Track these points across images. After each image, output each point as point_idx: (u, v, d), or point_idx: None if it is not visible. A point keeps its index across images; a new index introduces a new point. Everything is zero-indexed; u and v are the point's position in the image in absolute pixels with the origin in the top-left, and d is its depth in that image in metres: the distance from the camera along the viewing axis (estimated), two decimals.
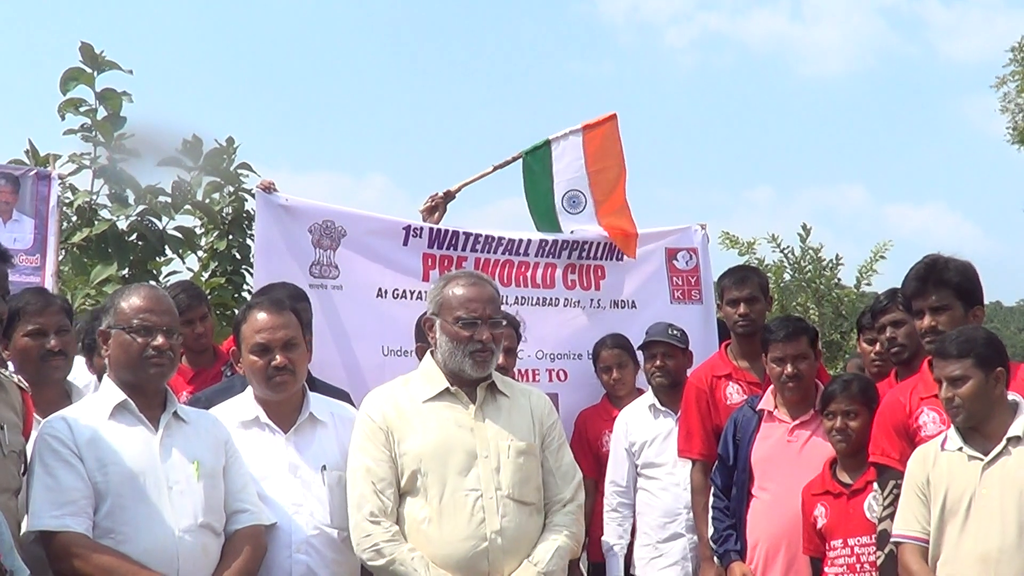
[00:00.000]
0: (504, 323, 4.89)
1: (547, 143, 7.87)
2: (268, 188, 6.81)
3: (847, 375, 6.08)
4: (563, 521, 4.68)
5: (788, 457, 5.94)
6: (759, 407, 6.10)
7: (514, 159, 7.87)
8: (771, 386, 6.13)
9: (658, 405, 6.83)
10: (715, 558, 6.15)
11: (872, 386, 5.75)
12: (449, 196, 7.77)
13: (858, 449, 5.47)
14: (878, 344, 6.31)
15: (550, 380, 7.40)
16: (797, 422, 5.98)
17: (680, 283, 7.97)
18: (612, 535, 6.81)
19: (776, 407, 6.06)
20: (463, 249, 7.34)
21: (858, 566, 5.43)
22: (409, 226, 7.23)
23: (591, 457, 6.98)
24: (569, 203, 7.88)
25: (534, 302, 7.46)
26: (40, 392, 4.69)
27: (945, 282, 5.19)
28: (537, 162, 7.87)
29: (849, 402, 5.61)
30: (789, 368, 5.91)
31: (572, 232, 7.77)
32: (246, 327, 4.81)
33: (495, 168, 7.88)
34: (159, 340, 4.35)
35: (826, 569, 5.56)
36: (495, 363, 4.75)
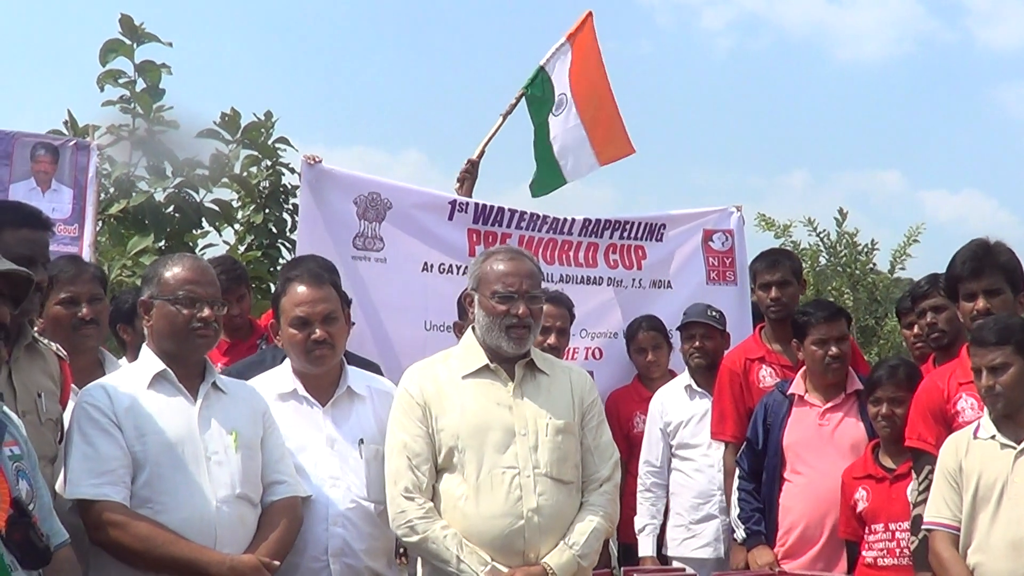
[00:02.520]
0: (543, 299, 4.85)
1: (541, 69, 7.99)
2: (314, 161, 6.80)
3: (893, 360, 6.06)
4: (599, 501, 4.65)
5: (820, 441, 5.95)
6: (790, 391, 6.10)
7: (517, 99, 7.96)
8: (802, 370, 6.13)
9: (694, 386, 6.83)
10: (740, 537, 6.15)
11: (917, 371, 5.72)
12: (474, 164, 7.80)
13: (902, 435, 5.45)
14: (916, 328, 6.29)
15: (586, 358, 7.40)
16: (828, 405, 6.00)
17: (716, 264, 7.96)
18: (645, 515, 6.82)
19: (807, 391, 6.07)
20: (508, 226, 7.32)
21: (897, 550, 5.44)
22: (455, 201, 7.24)
23: (622, 438, 6.92)
24: (556, 107, 7.95)
25: (577, 280, 7.47)
26: (73, 360, 4.68)
27: (1000, 266, 5.17)
28: (538, 90, 7.97)
29: (895, 389, 5.61)
30: (833, 349, 5.91)
31: (552, 135, 8.04)
32: (286, 300, 4.80)
33: (504, 117, 7.94)
34: (205, 312, 4.36)
35: (864, 553, 5.55)
36: (533, 339, 4.72)
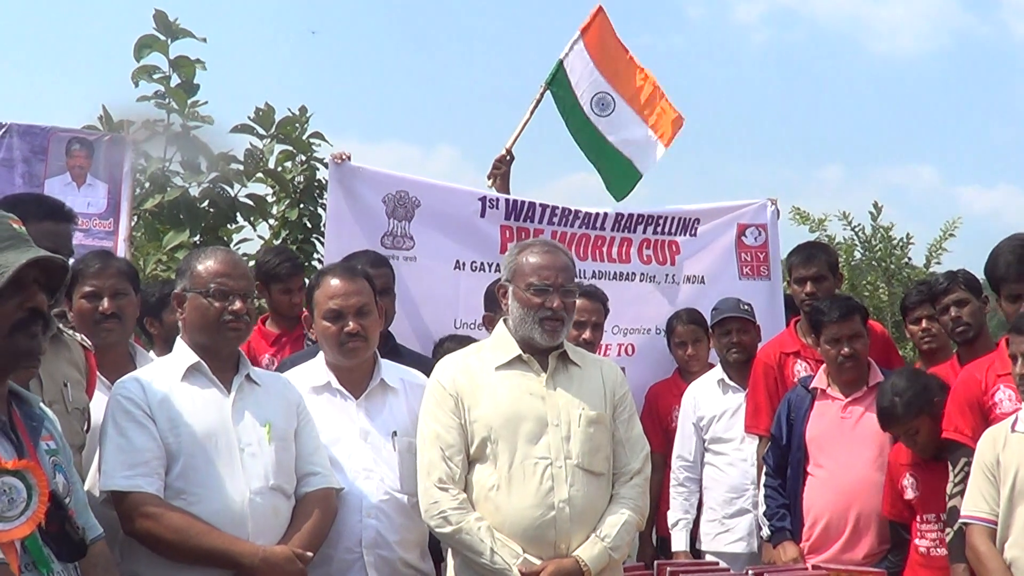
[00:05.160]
0: (577, 292, 4.86)
1: (559, 64, 7.91)
2: (342, 159, 6.81)
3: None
4: (630, 494, 4.66)
5: (843, 434, 5.95)
6: (812, 385, 6.11)
7: (541, 94, 7.89)
8: (823, 364, 6.12)
9: (727, 380, 6.81)
10: (766, 535, 6.15)
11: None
12: (505, 161, 7.73)
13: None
14: (923, 323, 6.47)
15: (618, 355, 7.37)
16: (850, 399, 6.00)
17: (748, 259, 7.90)
18: (678, 510, 6.80)
19: (829, 385, 6.07)
20: (540, 221, 7.28)
21: None
22: (485, 197, 7.21)
23: (660, 432, 6.96)
24: (598, 106, 7.94)
25: (611, 276, 7.40)
26: (102, 354, 4.72)
27: None
28: (559, 86, 7.91)
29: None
30: (845, 348, 5.93)
31: (612, 137, 7.96)
32: (319, 293, 4.81)
33: (531, 112, 7.87)
34: (236, 305, 4.37)
35: (916, 541, 5.53)
36: (566, 332, 4.73)
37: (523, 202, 7.28)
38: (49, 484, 3.08)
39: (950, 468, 5.21)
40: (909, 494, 5.55)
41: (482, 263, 7.08)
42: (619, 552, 4.58)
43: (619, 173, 8.15)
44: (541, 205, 7.32)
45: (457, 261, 7.03)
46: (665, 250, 7.70)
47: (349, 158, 6.83)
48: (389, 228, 6.83)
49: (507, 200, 7.26)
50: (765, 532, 6.14)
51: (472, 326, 6.85)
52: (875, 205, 13.85)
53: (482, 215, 7.13)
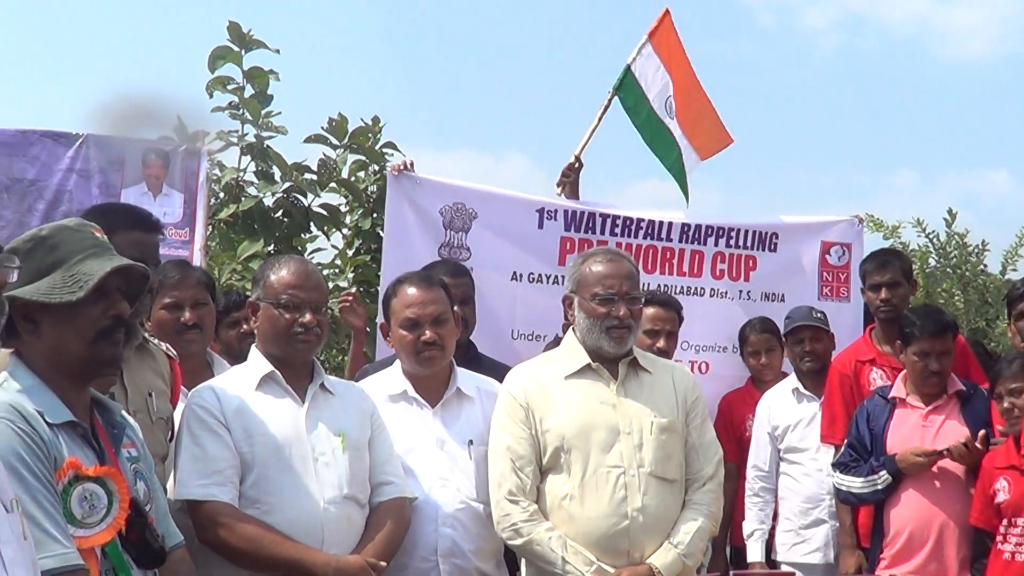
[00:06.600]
0: (643, 299, 4.85)
1: (627, 69, 7.76)
2: (402, 169, 6.82)
3: (1011, 355, 5.98)
4: (703, 500, 4.65)
5: (924, 442, 5.86)
6: (891, 395, 6.03)
7: (609, 100, 7.74)
8: (902, 373, 6.06)
9: (802, 389, 6.74)
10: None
11: None
12: (574, 168, 7.56)
13: None
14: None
15: (692, 372, 7.25)
16: (931, 407, 5.92)
17: (830, 279, 7.71)
18: (753, 520, 6.74)
19: (908, 394, 5.99)
20: (602, 232, 7.20)
21: None
22: (543, 208, 7.13)
23: (734, 441, 6.91)
24: (669, 110, 7.80)
25: (678, 291, 7.20)
26: (180, 363, 4.76)
27: None
28: (628, 92, 7.76)
29: (1013, 380, 5.58)
30: (934, 364, 5.83)
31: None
32: (396, 302, 4.82)
33: (599, 118, 7.74)
34: (307, 317, 4.37)
35: (1000, 546, 5.43)
36: (633, 339, 4.73)
37: (583, 212, 7.19)
38: (130, 491, 3.12)
39: None
40: (1000, 497, 5.46)
41: (540, 274, 7.04)
42: (693, 559, 4.57)
43: (682, 178, 8.02)
44: (602, 215, 7.23)
45: (514, 272, 7.00)
46: (741, 265, 7.55)
47: (411, 167, 6.84)
48: (446, 239, 6.83)
49: (566, 210, 7.17)
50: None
51: (529, 337, 6.85)
52: (949, 211, 13.67)
53: (540, 226, 7.08)
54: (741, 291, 7.55)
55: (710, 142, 8.01)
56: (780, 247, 7.66)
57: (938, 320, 5.97)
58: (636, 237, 7.31)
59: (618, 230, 7.26)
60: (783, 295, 7.61)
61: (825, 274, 7.74)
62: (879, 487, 5.84)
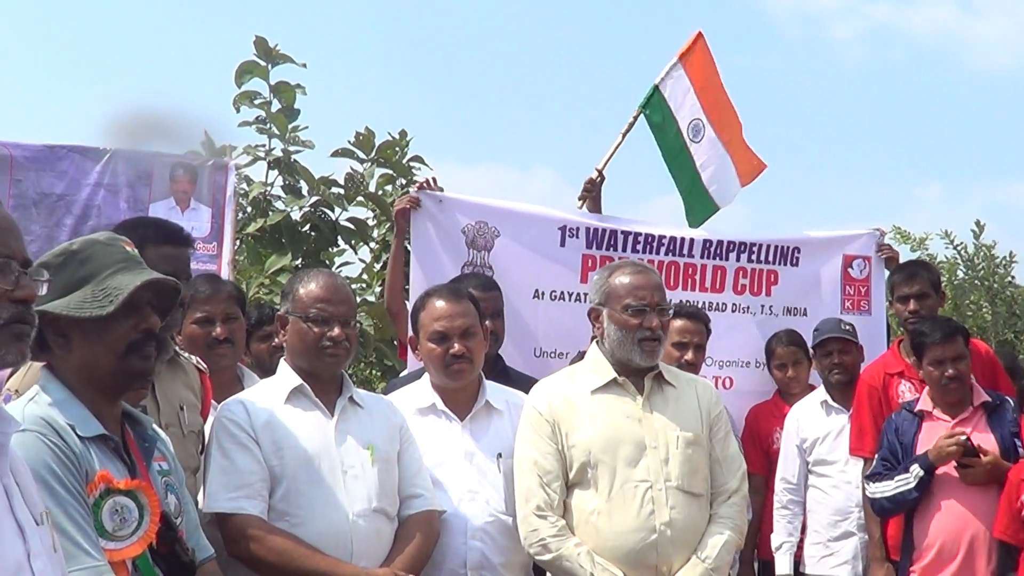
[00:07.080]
0: (671, 312, 4.85)
1: (655, 89, 7.72)
2: (425, 187, 6.82)
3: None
4: (728, 513, 4.64)
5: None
6: (918, 408, 6.01)
7: (635, 118, 7.70)
8: (927, 387, 6.03)
9: (830, 402, 6.72)
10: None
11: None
12: (596, 183, 7.52)
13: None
14: None
15: (716, 388, 7.23)
16: (957, 419, 5.90)
17: (852, 292, 7.65)
18: (782, 532, 6.72)
19: (934, 407, 5.97)
20: (623, 249, 7.13)
21: None
22: (565, 226, 7.06)
23: (761, 454, 6.90)
24: (693, 132, 7.76)
25: (701, 307, 7.12)
26: (211, 377, 4.76)
27: None
28: (655, 111, 7.72)
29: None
30: (949, 370, 5.83)
31: (700, 165, 7.73)
32: (424, 315, 4.82)
33: (623, 135, 7.69)
34: (335, 331, 4.37)
35: None
36: (662, 351, 4.74)
37: (603, 229, 7.14)
38: (161, 504, 3.13)
39: None
40: None
41: (562, 292, 6.99)
42: (720, 572, 4.56)
43: (698, 201, 7.97)
44: (623, 232, 7.17)
45: (536, 290, 6.95)
46: (762, 280, 7.50)
47: (434, 183, 6.82)
48: (469, 258, 6.78)
49: (588, 228, 7.11)
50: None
51: (552, 355, 6.81)
52: (977, 223, 13.67)
53: (562, 244, 7.03)
54: (763, 306, 7.50)
55: (748, 167, 7.98)
56: (802, 261, 7.60)
57: (945, 325, 5.98)
58: (658, 254, 7.25)
59: (640, 247, 7.21)
60: (805, 309, 7.55)
61: (847, 287, 7.68)
62: (911, 484, 5.79)
